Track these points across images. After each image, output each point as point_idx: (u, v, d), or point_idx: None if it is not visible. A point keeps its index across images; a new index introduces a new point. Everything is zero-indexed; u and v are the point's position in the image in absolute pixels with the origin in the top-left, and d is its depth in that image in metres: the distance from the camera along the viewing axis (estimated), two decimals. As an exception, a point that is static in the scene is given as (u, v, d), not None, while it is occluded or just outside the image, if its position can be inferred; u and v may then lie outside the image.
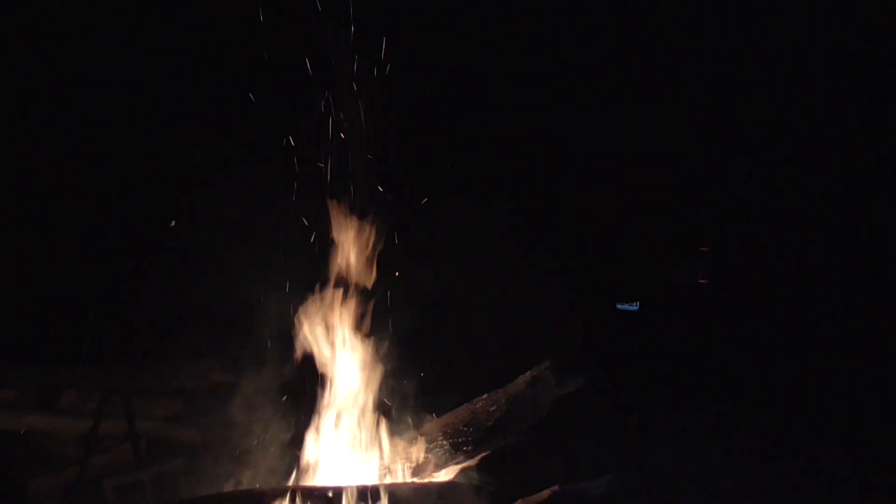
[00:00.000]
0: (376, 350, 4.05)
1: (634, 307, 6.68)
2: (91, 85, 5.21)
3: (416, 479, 3.79)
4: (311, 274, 4.23)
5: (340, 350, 4.05)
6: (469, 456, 3.87)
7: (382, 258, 4.08)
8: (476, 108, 5.49)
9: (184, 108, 5.19)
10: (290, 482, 3.78)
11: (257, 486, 3.82)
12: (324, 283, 4.06)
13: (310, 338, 4.00)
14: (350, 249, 4.06)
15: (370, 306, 4.05)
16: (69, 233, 5.22)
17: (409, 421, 3.98)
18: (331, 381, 4.02)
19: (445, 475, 3.88)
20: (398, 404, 4.06)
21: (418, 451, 3.86)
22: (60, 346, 4.97)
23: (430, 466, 3.86)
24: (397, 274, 4.22)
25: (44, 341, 4.96)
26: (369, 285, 4.07)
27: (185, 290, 5.04)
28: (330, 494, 3.34)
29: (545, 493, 3.55)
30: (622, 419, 5.21)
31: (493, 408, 3.97)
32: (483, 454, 3.92)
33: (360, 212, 4.05)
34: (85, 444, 4.53)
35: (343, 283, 4.07)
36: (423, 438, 3.88)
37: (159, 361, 5.01)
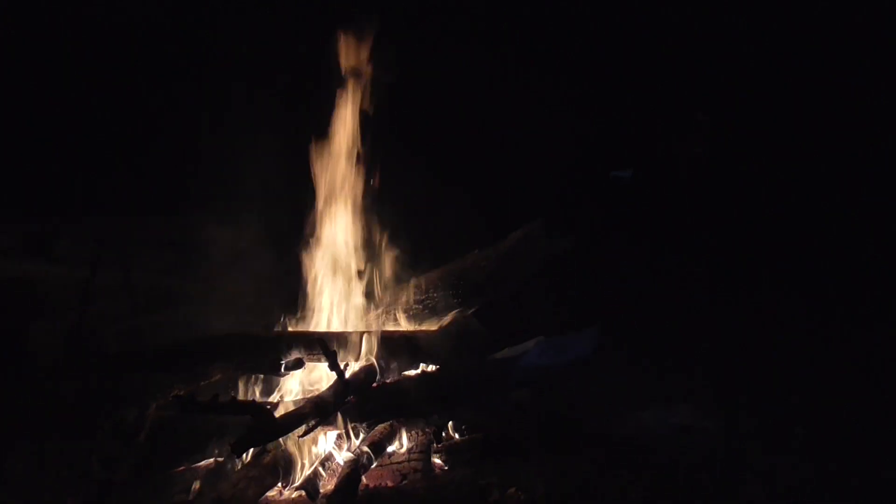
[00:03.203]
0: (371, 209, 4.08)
1: (628, 174, 6.65)
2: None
3: (403, 329, 3.90)
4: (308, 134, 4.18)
5: (336, 206, 4.07)
6: (458, 308, 3.96)
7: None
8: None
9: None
10: (282, 329, 3.87)
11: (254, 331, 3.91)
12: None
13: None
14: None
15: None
16: (69, 80, 5.08)
17: (401, 274, 4.04)
18: (325, 236, 4.06)
19: (434, 326, 3.98)
20: (390, 259, 4.10)
21: (408, 302, 3.94)
22: (53, 194, 4.96)
23: (420, 317, 3.96)
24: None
25: (37, 189, 4.93)
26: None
27: (184, 142, 4.98)
28: (319, 340, 3.42)
29: (530, 343, 3.66)
30: (609, 281, 5.27)
31: (484, 263, 4.02)
32: (473, 307, 4.00)
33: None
34: (82, 292, 4.60)
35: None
36: (414, 290, 3.95)
37: (154, 213, 5.03)
